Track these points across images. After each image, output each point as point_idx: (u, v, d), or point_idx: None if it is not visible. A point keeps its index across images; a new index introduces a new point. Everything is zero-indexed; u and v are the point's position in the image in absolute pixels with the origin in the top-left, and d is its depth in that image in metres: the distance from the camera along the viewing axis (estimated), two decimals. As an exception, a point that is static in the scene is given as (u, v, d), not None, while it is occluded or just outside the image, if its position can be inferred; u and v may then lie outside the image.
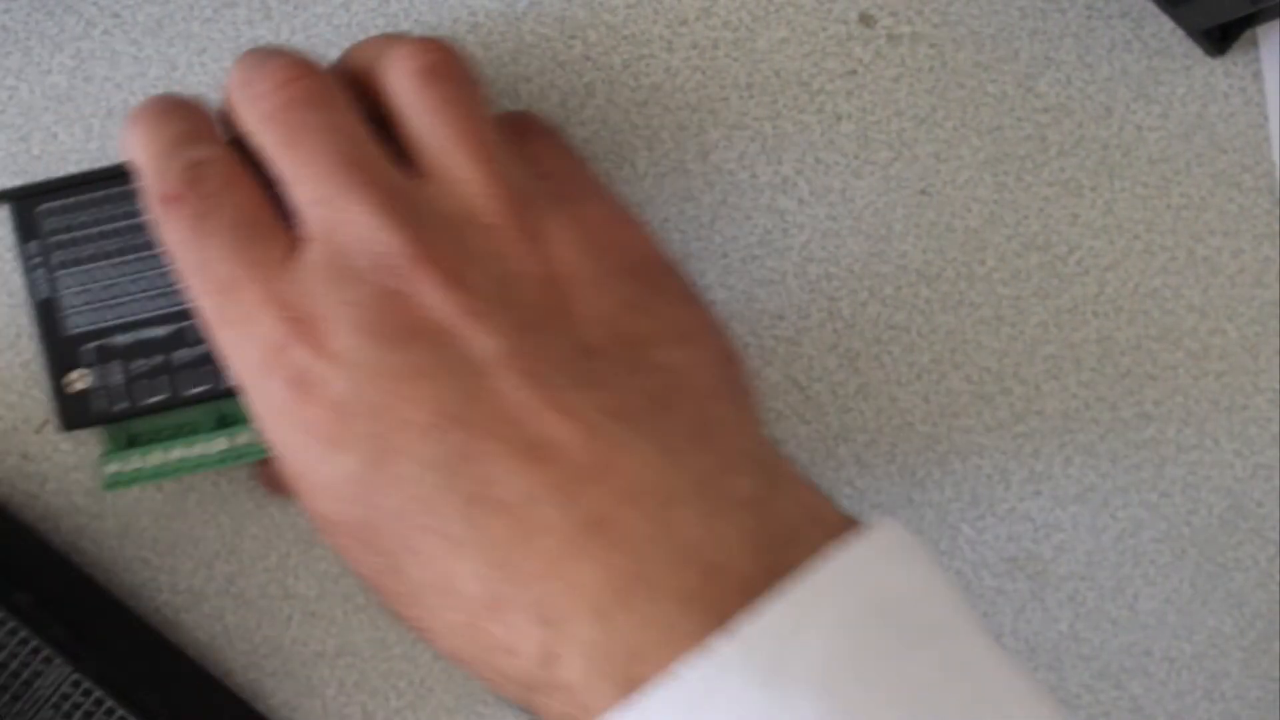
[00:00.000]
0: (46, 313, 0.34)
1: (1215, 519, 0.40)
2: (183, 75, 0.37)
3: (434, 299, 0.30)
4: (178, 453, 0.34)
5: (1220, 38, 0.39)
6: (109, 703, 0.34)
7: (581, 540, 0.28)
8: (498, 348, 0.29)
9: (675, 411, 0.30)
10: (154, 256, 0.34)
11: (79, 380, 0.34)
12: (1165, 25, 0.40)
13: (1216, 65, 0.40)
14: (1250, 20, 0.39)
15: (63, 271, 0.34)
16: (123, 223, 0.34)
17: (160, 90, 0.37)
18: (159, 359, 0.34)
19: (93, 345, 0.34)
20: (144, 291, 0.34)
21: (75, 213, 0.34)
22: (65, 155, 0.37)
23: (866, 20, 0.39)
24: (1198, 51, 0.40)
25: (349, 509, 0.30)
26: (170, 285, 0.34)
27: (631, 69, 0.39)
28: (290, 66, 0.32)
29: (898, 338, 0.39)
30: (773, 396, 0.39)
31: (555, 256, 0.31)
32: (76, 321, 0.34)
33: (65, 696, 0.34)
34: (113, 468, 0.34)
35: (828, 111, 0.39)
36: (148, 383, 0.34)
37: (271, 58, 0.32)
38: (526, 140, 0.34)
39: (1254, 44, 0.40)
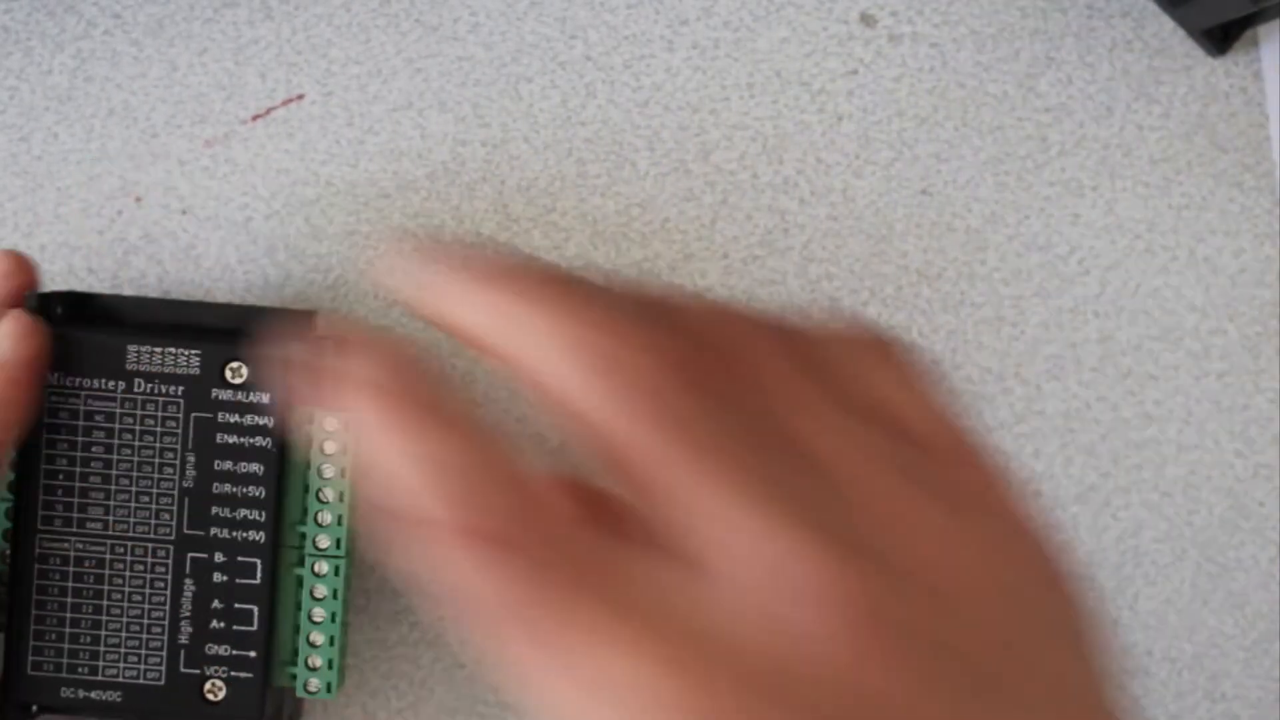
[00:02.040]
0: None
1: (1216, 519, 0.40)
2: (184, 76, 0.37)
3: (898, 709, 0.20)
4: None
5: (1221, 37, 0.39)
6: None
7: None
8: None
9: None
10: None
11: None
12: (1166, 25, 0.40)
13: (1217, 65, 0.40)
14: (1251, 20, 0.39)
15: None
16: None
17: (160, 89, 0.37)
18: None
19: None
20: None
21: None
22: (66, 155, 0.37)
23: (867, 20, 0.39)
24: (1198, 51, 0.40)
25: None
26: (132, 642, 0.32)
27: (632, 69, 0.39)
28: (684, 343, 0.21)
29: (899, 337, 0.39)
30: (773, 396, 0.39)
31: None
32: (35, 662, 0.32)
33: None
34: None
35: (829, 111, 0.39)
36: None
37: (651, 327, 0.21)
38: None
39: (1255, 44, 0.40)
